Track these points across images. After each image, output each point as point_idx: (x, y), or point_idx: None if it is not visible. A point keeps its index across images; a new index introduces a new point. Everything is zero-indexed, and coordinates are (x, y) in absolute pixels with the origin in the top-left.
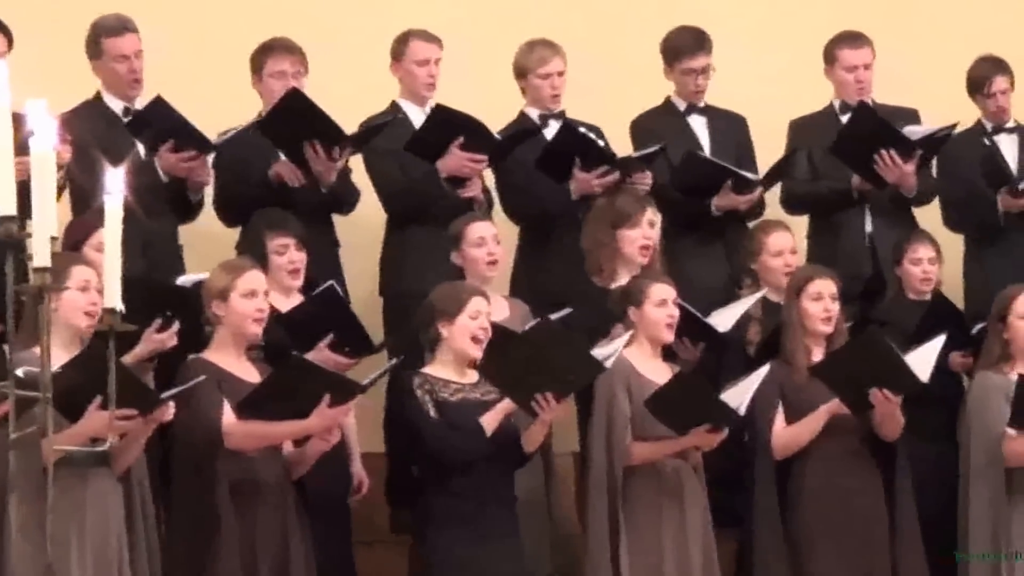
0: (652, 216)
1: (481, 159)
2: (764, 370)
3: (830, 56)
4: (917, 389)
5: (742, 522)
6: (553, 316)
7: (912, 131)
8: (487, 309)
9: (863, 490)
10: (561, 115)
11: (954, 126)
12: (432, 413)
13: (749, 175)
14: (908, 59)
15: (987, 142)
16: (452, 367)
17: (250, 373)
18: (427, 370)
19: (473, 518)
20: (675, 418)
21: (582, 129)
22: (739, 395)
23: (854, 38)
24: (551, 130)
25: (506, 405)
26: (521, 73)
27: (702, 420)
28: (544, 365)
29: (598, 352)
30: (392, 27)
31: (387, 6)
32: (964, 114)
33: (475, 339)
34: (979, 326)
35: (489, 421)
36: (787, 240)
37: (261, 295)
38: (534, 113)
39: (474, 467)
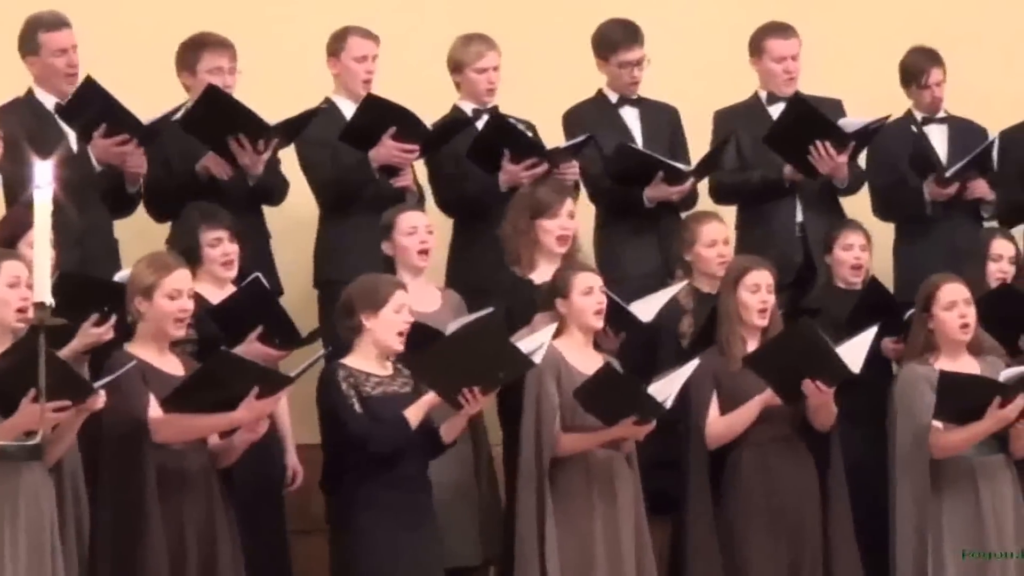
0: (571, 207)
1: (413, 149)
2: (693, 364)
3: (757, 47)
4: (849, 379)
5: (676, 509)
6: (476, 315)
7: (847, 123)
8: (408, 302)
9: (796, 477)
10: (494, 110)
11: (887, 118)
12: (357, 406)
13: (680, 166)
14: (831, 49)
15: (914, 130)
16: (373, 359)
17: (174, 366)
18: (348, 362)
19: (393, 506)
20: (603, 409)
21: (511, 120)
22: (667, 387)
23: (782, 29)
24: (482, 124)
25: (431, 399)
26: (456, 67)
27: (630, 412)
28: (472, 361)
29: (525, 345)
30: (327, 23)
31: (322, 2)
32: (888, 103)
33: (400, 333)
34: (910, 312)
35: (413, 414)
36: (721, 230)
37: (185, 295)
38: (468, 107)
39: (399, 456)
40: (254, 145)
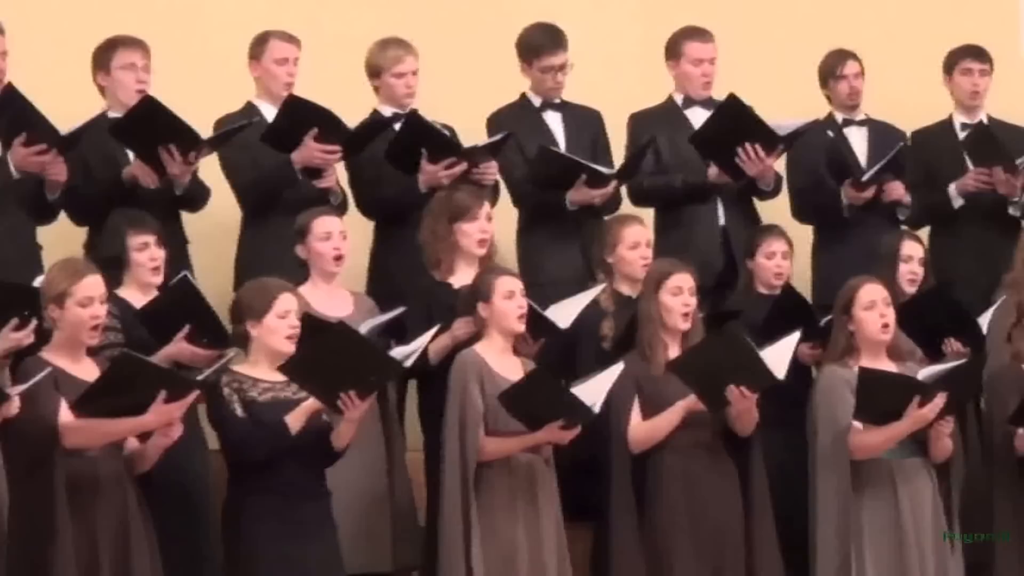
0: (489, 209)
1: (335, 150)
2: (618, 368)
3: (674, 50)
4: (773, 385)
5: (598, 514)
6: (385, 316)
7: (779, 126)
8: (295, 307)
9: (718, 481)
10: (411, 111)
11: (816, 121)
12: (239, 411)
13: (603, 169)
14: (748, 54)
15: (830, 134)
16: (264, 365)
17: (90, 372)
18: (239, 368)
19: (283, 513)
20: (528, 414)
21: (428, 119)
22: (593, 392)
23: (700, 32)
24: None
25: (312, 404)
26: (374, 72)
27: (555, 416)
28: (343, 365)
29: (401, 351)
30: (249, 26)
31: (242, 4)
32: (805, 109)
33: (289, 337)
34: (827, 318)
35: (294, 419)
36: (643, 233)
37: (97, 302)
38: (387, 112)
39: (283, 463)
40: (184, 156)
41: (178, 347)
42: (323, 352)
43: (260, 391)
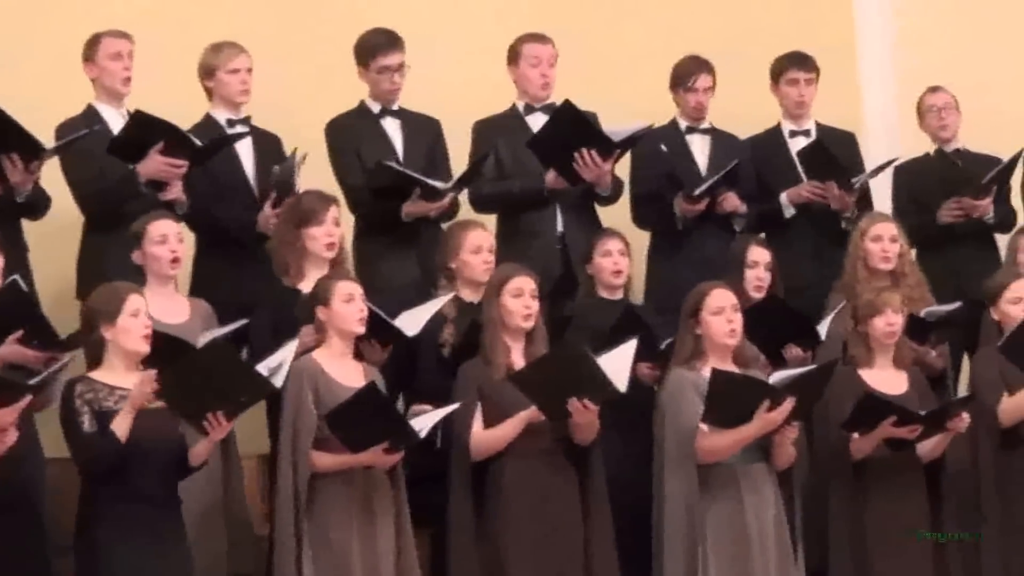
0: (336, 213)
1: (181, 164)
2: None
3: (514, 53)
4: (615, 397)
5: (438, 521)
6: (227, 328)
7: (613, 131)
8: (145, 306)
9: (558, 488)
10: (247, 120)
11: (651, 126)
12: (85, 424)
13: (436, 183)
14: (593, 62)
15: (664, 147)
16: (120, 371)
17: None
18: (95, 375)
19: (139, 522)
20: (353, 434)
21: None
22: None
23: (539, 36)
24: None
25: (132, 404)
26: (208, 73)
27: (380, 439)
28: (213, 385)
29: (267, 364)
30: (80, 30)
31: (75, 10)
32: (649, 116)
33: (145, 337)
34: (668, 341)
35: (119, 426)
36: (485, 237)
37: None
38: (221, 116)
39: (139, 473)
40: (26, 164)
41: (10, 348)
42: (194, 373)
43: (116, 399)
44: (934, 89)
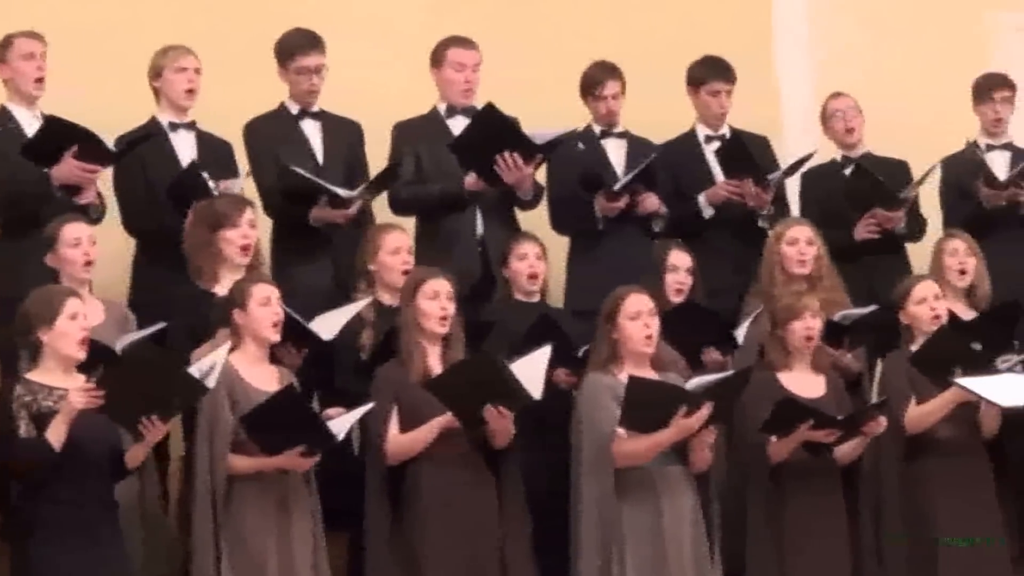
0: (251, 215)
1: (95, 169)
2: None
3: (438, 57)
4: (530, 404)
5: (354, 525)
6: (144, 331)
7: (536, 135)
8: (84, 309)
9: (474, 492)
10: (192, 125)
11: (574, 130)
12: (22, 428)
13: (342, 192)
14: (515, 66)
15: (581, 145)
16: (58, 372)
17: None
18: (32, 376)
19: (74, 526)
20: (270, 437)
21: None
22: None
23: (464, 40)
24: (180, 138)
25: (68, 415)
26: (156, 73)
27: (297, 442)
28: (146, 389)
29: (197, 367)
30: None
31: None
32: (569, 120)
33: (81, 341)
34: (585, 348)
35: (54, 434)
36: (404, 239)
37: None
38: (165, 119)
39: (76, 476)
40: None
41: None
42: (128, 377)
43: (56, 399)
44: (837, 95)
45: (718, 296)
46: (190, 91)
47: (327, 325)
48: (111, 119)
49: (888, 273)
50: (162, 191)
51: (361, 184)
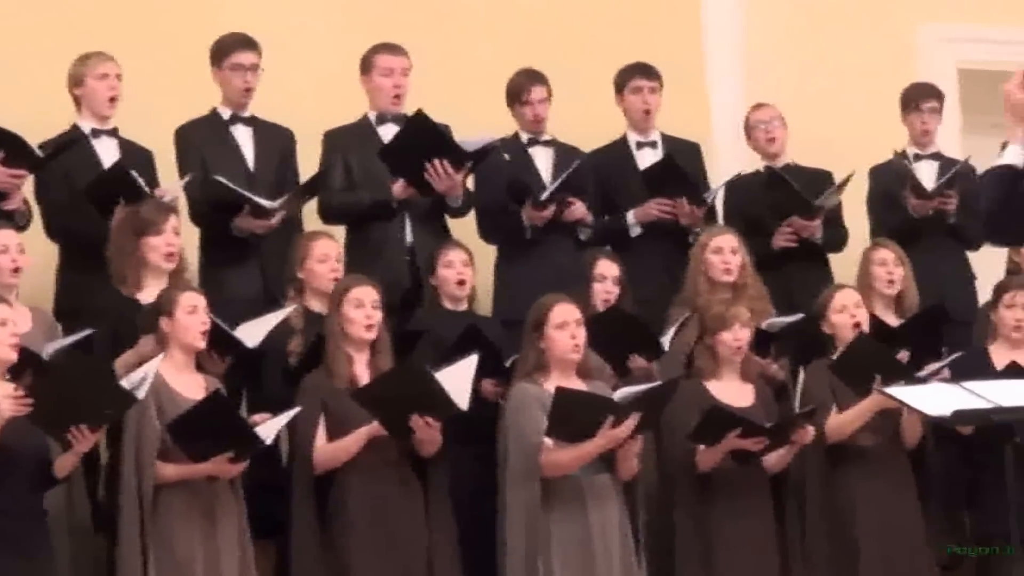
0: (176, 223)
1: (21, 174)
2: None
3: (368, 64)
4: (456, 414)
5: (281, 533)
6: (70, 338)
7: (466, 142)
8: (13, 315)
9: (402, 500)
10: (114, 131)
11: (504, 138)
12: None
13: (264, 202)
14: (442, 74)
15: (507, 157)
16: None
17: None
18: None
19: (2, 536)
20: (197, 444)
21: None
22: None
23: (392, 47)
24: (103, 145)
25: None
26: (77, 82)
27: (224, 448)
28: (76, 398)
29: (130, 379)
30: None
31: None
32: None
33: (12, 347)
34: (513, 358)
35: None
36: (332, 247)
37: None
38: (87, 126)
39: (3, 484)
40: None
41: None
42: (58, 386)
43: None
44: (759, 106)
45: (649, 305)
46: (112, 98)
47: (252, 332)
48: (32, 126)
49: (809, 282)
50: (85, 194)
51: (289, 192)
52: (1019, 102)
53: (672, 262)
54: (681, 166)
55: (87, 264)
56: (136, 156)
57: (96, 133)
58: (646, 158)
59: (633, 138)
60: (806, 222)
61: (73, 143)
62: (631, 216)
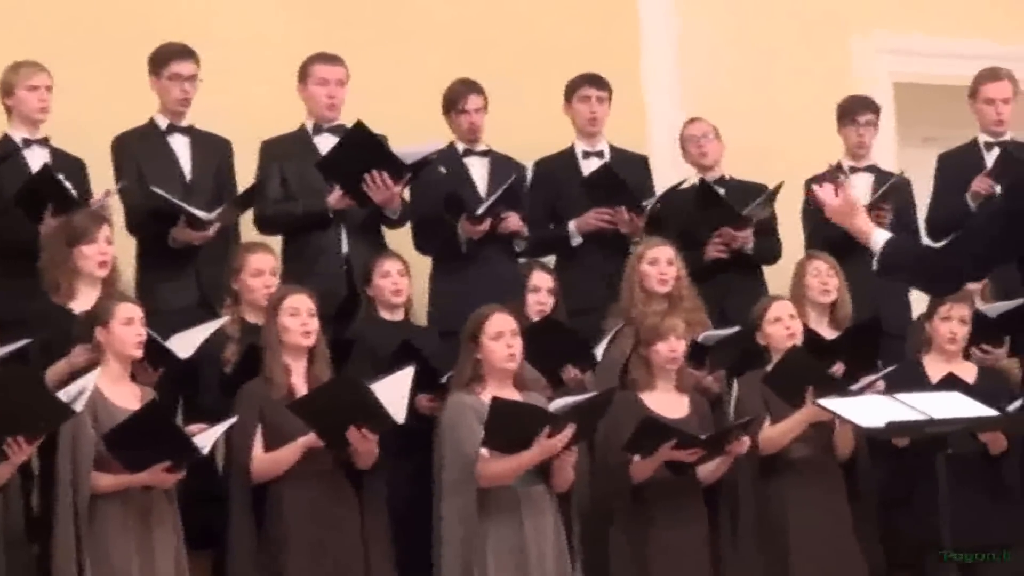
0: (108, 232)
1: None
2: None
3: (304, 73)
4: (393, 427)
5: (217, 543)
6: (9, 347)
7: (405, 153)
8: None
9: (337, 510)
10: (46, 141)
11: (441, 149)
12: None
13: (200, 213)
14: (379, 84)
15: (443, 170)
16: None
17: None
18: None
19: None
20: (133, 454)
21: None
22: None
23: (328, 56)
24: (34, 154)
25: None
26: (7, 91)
27: (161, 457)
28: (11, 408)
29: (68, 392)
30: None
31: None
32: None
33: None
34: (449, 374)
35: None
36: (268, 260)
37: None
38: (19, 136)
39: None
40: None
41: None
42: None
43: None
44: (692, 120)
45: (588, 315)
46: (43, 109)
47: (185, 343)
48: None
49: (742, 293)
50: (14, 200)
51: (225, 202)
52: (838, 207)
53: (613, 272)
54: (619, 174)
55: (17, 272)
56: (67, 164)
57: (27, 143)
58: (592, 168)
59: (580, 147)
60: (736, 232)
61: (5, 158)
62: (572, 226)
